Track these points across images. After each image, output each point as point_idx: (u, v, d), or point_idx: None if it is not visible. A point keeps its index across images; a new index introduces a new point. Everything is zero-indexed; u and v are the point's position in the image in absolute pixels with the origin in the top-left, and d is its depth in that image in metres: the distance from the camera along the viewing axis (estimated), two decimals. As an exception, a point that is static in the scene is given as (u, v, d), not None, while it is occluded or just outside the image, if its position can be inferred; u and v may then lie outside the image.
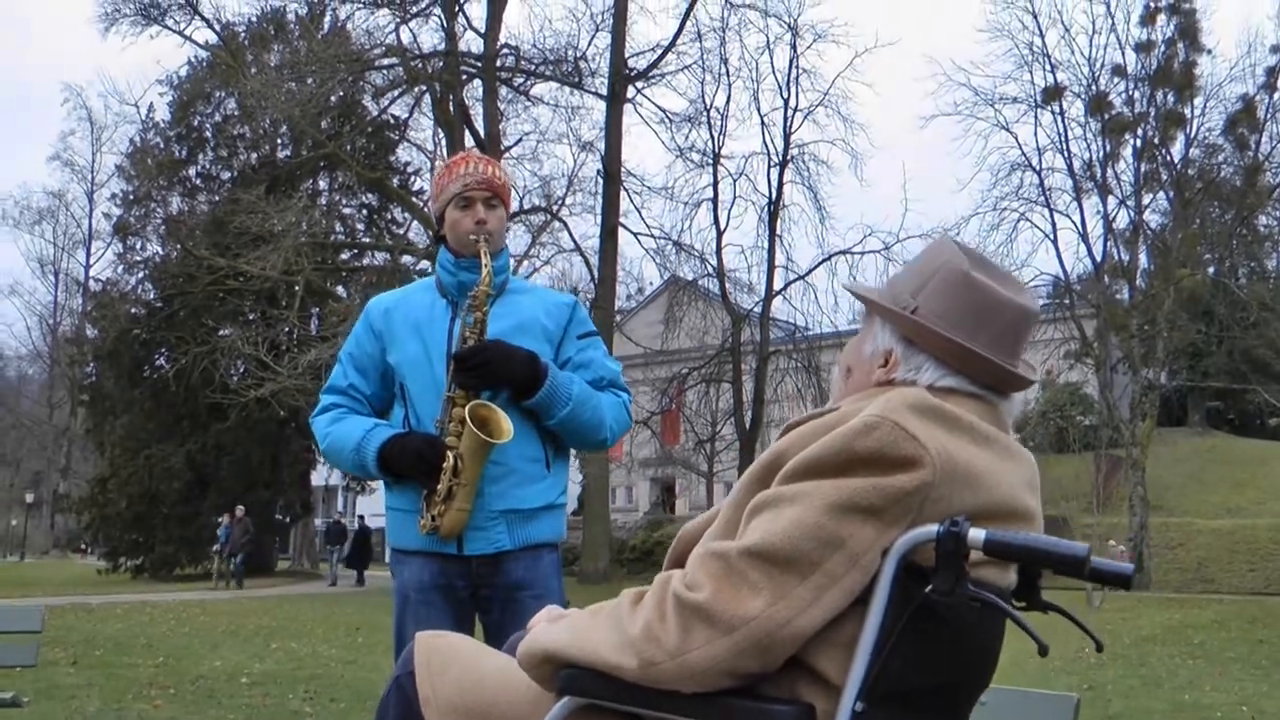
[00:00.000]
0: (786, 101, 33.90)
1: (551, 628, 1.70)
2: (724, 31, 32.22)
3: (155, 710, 7.15)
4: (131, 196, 36.10)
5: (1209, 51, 30.85)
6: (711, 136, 33.86)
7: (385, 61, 29.04)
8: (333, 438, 3.10)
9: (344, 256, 33.77)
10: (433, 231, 3.25)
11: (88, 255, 60.58)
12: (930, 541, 1.48)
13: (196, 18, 29.24)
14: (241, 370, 28.03)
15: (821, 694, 1.52)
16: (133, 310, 33.80)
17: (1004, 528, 1.54)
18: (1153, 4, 30.45)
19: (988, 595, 1.49)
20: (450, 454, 2.90)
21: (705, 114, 33.27)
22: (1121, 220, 31.91)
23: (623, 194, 30.87)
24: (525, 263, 41.00)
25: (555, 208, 31.66)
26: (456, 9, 28.58)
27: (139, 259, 35.78)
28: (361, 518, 33.76)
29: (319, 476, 37.87)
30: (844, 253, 34.79)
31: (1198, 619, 19.29)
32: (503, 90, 30.24)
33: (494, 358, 2.92)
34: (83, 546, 41.98)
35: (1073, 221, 31.67)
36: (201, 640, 12.72)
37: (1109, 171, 31.27)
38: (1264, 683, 10.76)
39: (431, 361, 3.03)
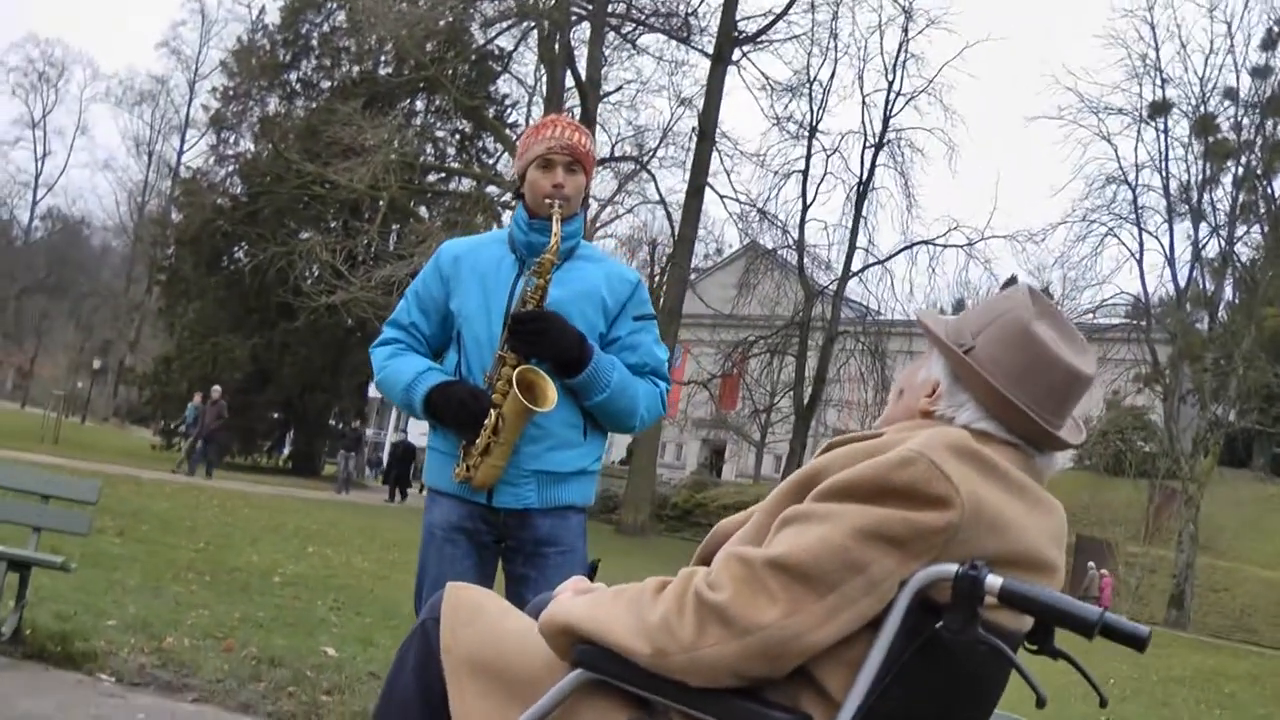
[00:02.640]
0: (890, 84, 33.64)
1: (575, 601, 1.74)
2: (837, 6, 31.95)
3: (190, 594, 7.32)
4: (231, 92, 36.57)
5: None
6: (810, 109, 33.71)
7: (498, -7, 29.07)
8: (387, 371, 3.19)
9: (431, 179, 33.95)
10: (514, 189, 3.28)
11: (182, 142, 61.83)
12: (948, 580, 1.51)
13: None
14: (315, 275, 28.37)
15: (821, 707, 1.56)
16: (219, 201, 34.26)
17: (1024, 577, 1.57)
18: (1277, 28, 29.56)
19: (995, 641, 1.51)
20: (493, 411, 2.97)
21: (808, 86, 33.12)
22: (1211, 249, 31.34)
23: (714, 155, 30.73)
24: (609, 208, 41.13)
25: (645, 158, 31.61)
26: (573, -51, 28.49)
27: (231, 153, 36.29)
28: (404, 433, 33.75)
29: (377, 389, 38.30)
30: (926, 243, 34.55)
31: (1232, 668, 18.91)
32: (610, 36, 30.16)
33: (548, 328, 2.97)
34: (143, 419, 42.75)
35: (1160, 243, 31.18)
36: (242, 532, 12.98)
37: (1205, 196, 30.67)
38: (1289, 744, 10.62)
39: (490, 315, 3.09)
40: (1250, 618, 31.40)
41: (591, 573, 4.15)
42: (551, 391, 2.97)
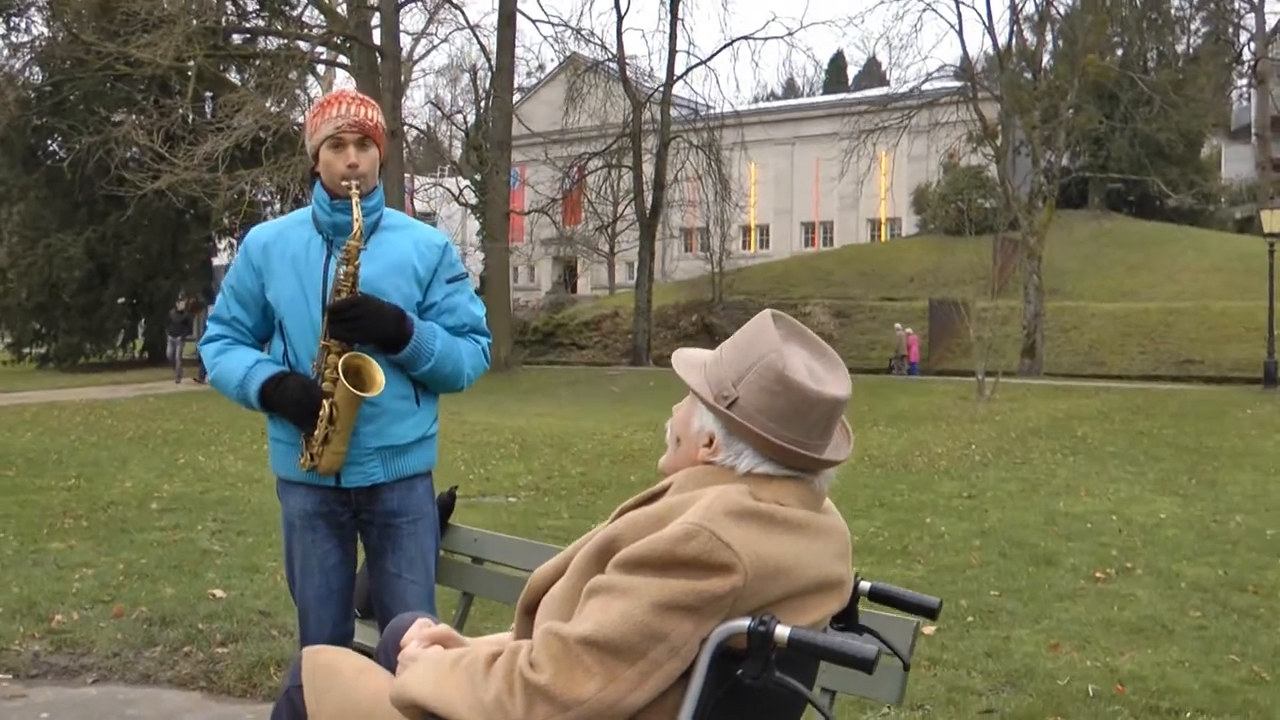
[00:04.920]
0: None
1: (419, 675, 1.91)
2: None
3: (70, 551, 7.35)
4: (11, -27, 34.16)
5: None
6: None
7: None
8: (219, 369, 3.27)
9: (237, 40, 32.56)
10: (310, 171, 3.31)
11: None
12: (742, 633, 1.73)
13: None
14: (136, 159, 27.28)
15: None
16: (21, 94, 32.43)
17: (815, 600, 1.84)
18: None
19: (792, 683, 1.74)
20: (326, 402, 3.09)
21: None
22: (1029, 8, 31.79)
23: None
24: (422, 41, 39.97)
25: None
26: None
27: (25, 40, 34.18)
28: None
29: (222, 259, 37.32)
30: (746, 38, 34.48)
31: (1083, 409, 20.08)
32: None
33: (365, 313, 3.08)
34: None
35: (977, 11, 31.60)
36: (110, 454, 12.87)
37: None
38: (1136, 484, 11.37)
39: (308, 301, 3.17)
40: (1098, 350, 33.10)
41: (450, 500, 4.36)
42: (379, 375, 3.11)
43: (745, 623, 1.73)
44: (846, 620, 2.06)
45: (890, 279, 41.68)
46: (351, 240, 3.09)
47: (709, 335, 38.13)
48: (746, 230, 56.43)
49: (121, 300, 34.35)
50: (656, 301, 37.62)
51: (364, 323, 3.08)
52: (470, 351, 3.30)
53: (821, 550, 1.89)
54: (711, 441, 1.93)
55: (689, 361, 2.01)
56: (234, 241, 34.67)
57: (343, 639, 3.28)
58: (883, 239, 54.20)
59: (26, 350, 34.55)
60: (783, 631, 1.71)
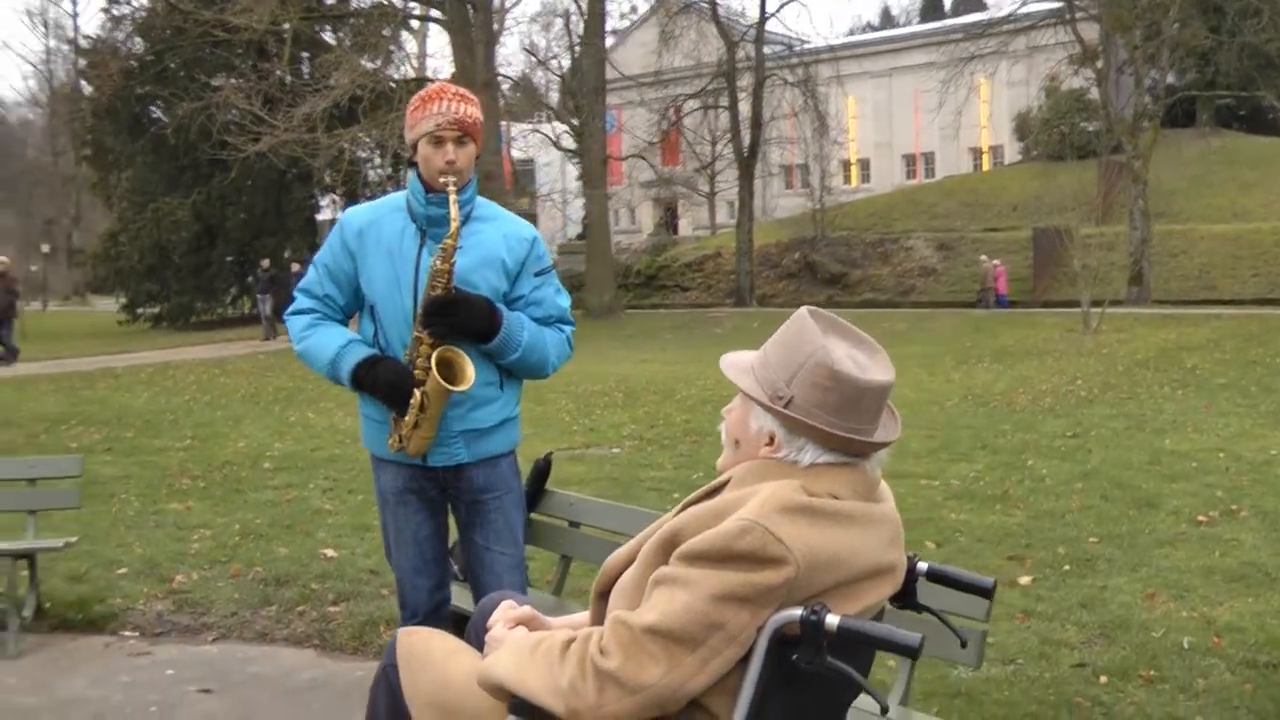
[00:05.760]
0: None
1: (503, 659, 2.06)
2: None
3: (188, 512, 7.67)
4: (113, -53, 35.11)
5: None
6: None
7: None
8: (308, 343, 3.41)
9: (331, 1, 32.90)
10: (407, 157, 3.43)
11: (74, 3, 59.31)
12: (795, 622, 1.85)
13: None
14: (237, 122, 27.87)
15: None
16: (126, 65, 33.31)
17: (866, 586, 1.97)
18: None
19: (843, 667, 1.84)
20: (417, 390, 3.23)
21: None
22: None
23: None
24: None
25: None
26: None
27: (125, 13, 35.08)
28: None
29: (325, 215, 38.04)
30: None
31: (1192, 338, 19.55)
32: None
33: (459, 310, 3.21)
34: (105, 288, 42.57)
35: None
36: (224, 414, 13.30)
37: None
38: (1248, 417, 11.12)
39: (401, 290, 3.30)
40: (1209, 274, 32.13)
41: (546, 466, 4.49)
42: (469, 368, 3.25)
43: (798, 612, 1.85)
44: (905, 600, 2.18)
45: (994, 209, 40.91)
46: (448, 239, 3.21)
47: (812, 273, 37.84)
48: (847, 165, 55.67)
49: (230, 259, 35.31)
50: (758, 240, 37.39)
51: (458, 319, 3.22)
52: (555, 341, 3.43)
53: (872, 539, 2.00)
54: (773, 440, 2.04)
55: (738, 366, 2.11)
56: (336, 199, 35.32)
57: (439, 605, 3.44)
58: (985, 168, 53.11)
59: (140, 310, 35.72)
60: (833, 620, 1.82)
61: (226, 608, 5.46)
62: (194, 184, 33.13)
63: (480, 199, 3.42)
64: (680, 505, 2.09)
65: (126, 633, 5.21)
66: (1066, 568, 5.84)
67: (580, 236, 40.43)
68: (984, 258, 33.49)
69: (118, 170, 35.76)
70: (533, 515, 4.21)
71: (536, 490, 4.40)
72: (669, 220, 58.63)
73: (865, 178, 58.78)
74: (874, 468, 2.07)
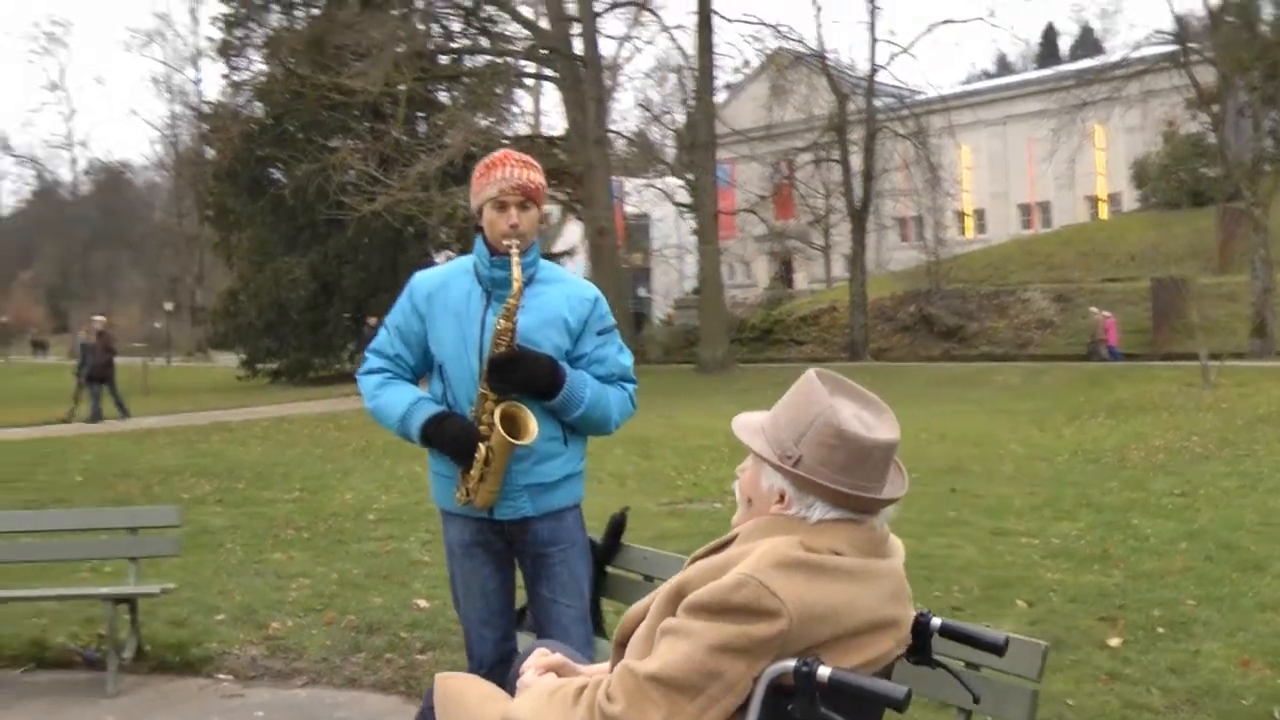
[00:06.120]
0: None
1: (522, 703, 2.20)
2: None
3: (289, 562, 7.87)
4: (233, 18, 36.67)
5: None
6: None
7: None
8: (379, 402, 3.54)
9: (444, 61, 33.83)
10: (474, 224, 3.57)
11: (196, 70, 62.14)
12: (789, 673, 1.94)
13: None
14: (353, 182, 28.71)
15: None
16: (245, 129, 34.58)
17: (865, 640, 2.05)
18: None
19: (834, 717, 1.91)
20: (482, 445, 3.35)
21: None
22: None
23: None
24: (626, 45, 40.53)
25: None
26: None
27: (245, 79, 36.48)
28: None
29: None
30: (947, 22, 33.92)
31: (1318, 394, 18.86)
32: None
33: (521, 367, 3.33)
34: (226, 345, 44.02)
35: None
36: (334, 466, 13.61)
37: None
38: (1375, 482, 10.60)
39: (467, 349, 3.44)
40: (1339, 326, 30.94)
41: (621, 521, 4.54)
42: (533, 424, 3.36)
43: (792, 663, 1.93)
44: (920, 655, 2.24)
45: (1112, 258, 39.97)
46: (511, 299, 3.33)
47: (928, 326, 37.32)
48: (961, 215, 55.03)
49: (346, 316, 36.22)
50: (873, 293, 37.11)
51: (520, 375, 3.33)
52: (618, 399, 3.54)
53: (871, 594, 2.07)
54: (783, 497, 2.13)
55: (749, 427, 2.21)
56: (451, 254, 36.06)
57: (506, 656, 3.50)
58: (1103, 216, 52.11)
59: (259, 366, 36.80)
60: (824, 672, 1.91)
61: (318, 654, 5.60)
62: (311, 243, 34.11)
63: (544, 262, 3.56)
64: (690, 559, 2.20)
65: (221, 676, 5.40)
66: (1160, 630, 5.67)
67: (696, 291, 40.57)
68: (1094, 309, 32.75)
69: (238, 230, 37.03)
70: (609, 569, 4.26)
71: (612, 544, 4.44)
72: (784, 274, 58.49)
73: (981, 228, 58.04)
74: (881, 523, 2.14)
